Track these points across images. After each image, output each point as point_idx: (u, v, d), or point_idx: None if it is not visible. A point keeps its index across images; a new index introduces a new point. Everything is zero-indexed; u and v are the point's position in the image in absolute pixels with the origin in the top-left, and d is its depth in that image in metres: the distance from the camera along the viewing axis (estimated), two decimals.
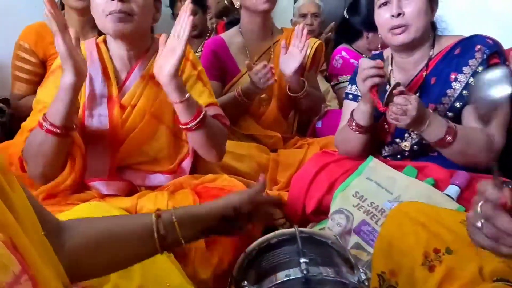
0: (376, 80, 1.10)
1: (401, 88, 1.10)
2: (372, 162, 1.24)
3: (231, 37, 1.79)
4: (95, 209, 0.89)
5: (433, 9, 1.22)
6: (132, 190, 1.12)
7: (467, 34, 1.24)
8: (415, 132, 1.21)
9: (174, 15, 2.37)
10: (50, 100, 1.00)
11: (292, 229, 0.82)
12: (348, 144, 1.29)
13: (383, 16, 1.21)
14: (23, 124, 1.11)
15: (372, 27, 2.07)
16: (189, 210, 0.73)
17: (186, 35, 0.94)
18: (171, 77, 0.94)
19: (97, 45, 1.12)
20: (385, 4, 1.20)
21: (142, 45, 1.12)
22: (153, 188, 1.14)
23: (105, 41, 1.13)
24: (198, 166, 1.39)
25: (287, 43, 1.77)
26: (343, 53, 2.17)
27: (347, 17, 2.14)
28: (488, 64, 1.13)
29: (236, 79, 1.74)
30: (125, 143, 1.08)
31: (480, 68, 1.13)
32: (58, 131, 0.92)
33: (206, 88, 1.19)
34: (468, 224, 0.60)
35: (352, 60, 2.10)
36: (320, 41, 1.83)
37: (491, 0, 2.19)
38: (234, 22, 2.03)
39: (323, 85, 2.52)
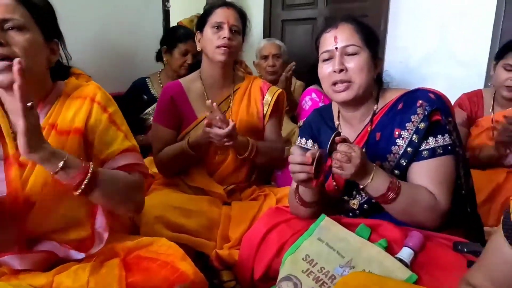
0: (302, 177, 1.02)
1: (343, 136, 1.04)
2: (324, 221, 1.16)
3: (190, 82, 1.71)
4: None
5: (377, 65, 1.19)
6: (55, 261, 0.98)
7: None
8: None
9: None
10: None
11: None
12: (297, 212, 1.23)
13: (325, 71, 1.17)
14: None
15: None
16: None
17: (21, 106, 0.78)
18: (27, 154, 0.81)
19: None
20: (328, 59, 1.17)
21: (38, 92, 1.00)
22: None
23: None
24: (141, 225, 1.29)
25: (247, 90, 1.70)
26: (313, 95, 2.11)
27: None
28: (429, 120, 1.08)
29: (192, 126, 1.65)
30: (35, 208, 0.95)
31: (422, 125, 1.08)
32: None
33: (120, 131, 1.06)
34: None
35: (321, 104, 2.06)
36: (281, 90, 1.74)
37: (454, 43, 2.21)
38: (196, 65, 1.96)
39: (289, 126, 2.44)
